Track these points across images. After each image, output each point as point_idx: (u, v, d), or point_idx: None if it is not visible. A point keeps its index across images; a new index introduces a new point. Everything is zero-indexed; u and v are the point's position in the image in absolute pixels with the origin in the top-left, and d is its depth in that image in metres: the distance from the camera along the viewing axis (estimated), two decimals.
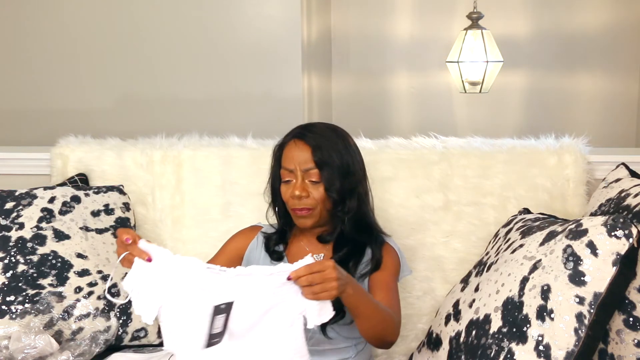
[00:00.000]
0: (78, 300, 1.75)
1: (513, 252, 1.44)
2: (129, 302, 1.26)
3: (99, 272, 1.80)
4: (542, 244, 1.36)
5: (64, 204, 1.87)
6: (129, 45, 3.17)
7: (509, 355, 1.27)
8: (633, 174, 1.70)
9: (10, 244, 1.77)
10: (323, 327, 1.47)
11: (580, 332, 1.22)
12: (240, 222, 1.85)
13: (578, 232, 1.28)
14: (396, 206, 1.90)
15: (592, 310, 1.23)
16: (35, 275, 1.74)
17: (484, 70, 2.98)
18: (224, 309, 1.22)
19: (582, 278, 1.24)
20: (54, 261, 1.77)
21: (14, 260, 1.75)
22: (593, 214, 1.65)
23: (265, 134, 2.02)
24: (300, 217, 1.54)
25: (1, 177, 2.20)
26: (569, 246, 1.28)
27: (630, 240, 1.23)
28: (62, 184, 1.99)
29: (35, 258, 1.76)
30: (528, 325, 1.27)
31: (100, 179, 2.05)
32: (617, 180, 1.68)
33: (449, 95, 3.68)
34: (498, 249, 1.55)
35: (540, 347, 1.24)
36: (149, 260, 1.26)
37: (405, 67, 3.72)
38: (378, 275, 1.53)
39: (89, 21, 3.17)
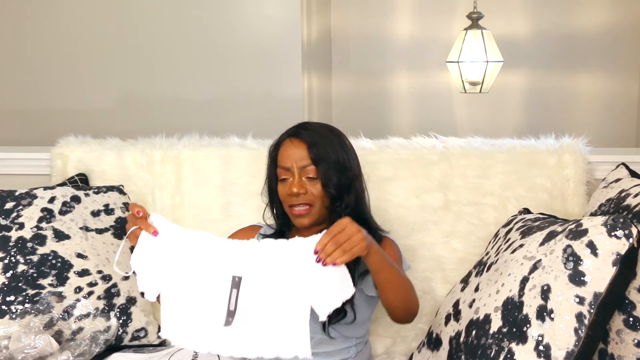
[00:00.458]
0: (78, 300, 1.75)
1: (513, 252, 1.44)
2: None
3: (99, 272, 1.80)
4: (542, 244, 1.36)
5: (64, 204, 1.87)
6: (129, 45, 3.17)
7: (509, 355, 1.27)
8: (633, 174, 1.70)
9: (10, 244, 1.77)
10: (325, 326, 1.47)
11: (580, 332, 1.22)
12: (240, 222, 1.85)
13: (578, 232, 1.28)
14: (396, 206, 1.90)
15: (592, 310, 1.23)
16: (35, 275, 1.74)
17: (484, 70, 2.98)
18: (237, 283, 1.21)
19: (582, 278, 1.24)
20: (54, 261, 1.77)
21: (14, 260, 1.75)
22: (593, 214, 1.65)
23: (265, 134, 2.02)
24: (298, 217, 1.53)
25: (1, 177, 2.20)
26: (569, 246, 1.28)
27: (631, 240, 1.22)
28: (62, 184, 1.99)
29: (35, 258, 1.76)
30: (528, 325, 1.27)
31: (100, 179, 2.05)
32: (617, 180, 1.68)
33: (449, 95, 3.68)
34: (498, 249, 1.55)
35: (540, 347, 1.24)
36: (155, 233, 1.26)
37: (405, 67, 3.73)
38: None
39: (89, 21, 3.17)
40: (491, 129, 3.22)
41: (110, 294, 1.78)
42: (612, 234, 1.23)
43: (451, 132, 2.12)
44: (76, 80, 3.23)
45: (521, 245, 1.43)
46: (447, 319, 1.54)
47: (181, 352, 1.75)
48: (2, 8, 3.22)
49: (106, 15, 3.16)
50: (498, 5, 3.47)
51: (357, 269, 1.52)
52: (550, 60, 3.59)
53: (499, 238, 1.62)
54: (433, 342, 1.58)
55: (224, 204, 2.00)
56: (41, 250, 1.78)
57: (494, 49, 3.00)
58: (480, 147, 1.91)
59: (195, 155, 2.02)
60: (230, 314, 1.21)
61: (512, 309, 1.32)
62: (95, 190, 1.95)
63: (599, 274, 1.23)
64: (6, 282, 1.73)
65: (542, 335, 1.25)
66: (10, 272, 1.74)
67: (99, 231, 1.87)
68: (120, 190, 1.99)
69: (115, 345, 1.77)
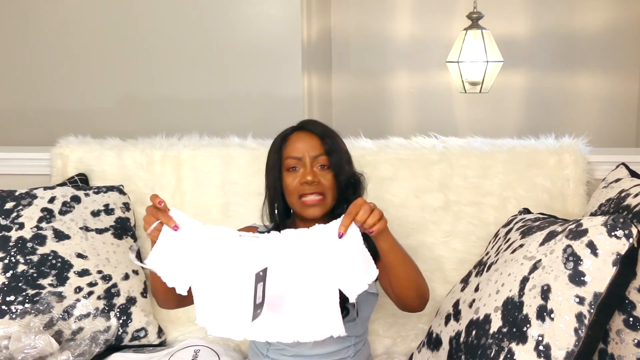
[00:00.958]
0: (78, 300, 1.75)
1: (513, 252, 1.44)
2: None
3: (99, 272, 1.80)
4: (542, 244, 1.36)
5: (64, 204, 1.87)
6: (128, 45, 3.17)
7: (509, 355, 1.27)
8: (633, 174, 1.70)
9: (10, 244, 1.77)
10: None
11: (580, 332, 1.22)
12: (240, 222, 1.84)
13: (578, 232, 1.28)
14: (396, 206, 1.90)
15: (592, 310, 1.23)
16: (35, 275, 1.74)
17: (484, 70, 2.98)
18: (262, 277, 1.21)
19: (582, 278, 1.24)
20: (54, 261, 1.77)
21: (14, 260, 1.75)
22: (593, 214, 1.65)
23: (265, 134, 2.01)
24: (310, 207, 1.50)
25: (1, 177, 2.20)
26: (569, 246, 1.28)
27: (631, 240, 1.22)
28: (62, 184, 1.99)
29: (35, 258, 1.76)
30: (528, 325, 1.27)
31: (100, 179, 2.05)
32: (617, 180, 1.68)
33: (449, 95, 3.68)
34: (498, 249, 1.55)
35: (540, 347, 1.24)
36: (176, 228, 1.25)
37: (405, 67, 3.73)
38: None
39: (89, 21, 3.17)
40: (491, 129, 3.22)
41: (110, 294, 1.78)
42: (612, 234, 1.23)
43: (451, 132, 2.12)
44: (76, 80, 3.23)
45: (521, 245, 1.43)
46: (447, 319, 1.54)
47: (181, 352, 1.76)
48: (2, 8, 3.22)
49: (106, 16, 3.16)
50: (498, 5, 3.47)
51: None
52: (550, 60, 3.59)
53: (499, 238, 1.62)
54: (433, 342, 1.58)
55: (224, 204, 2.00)
56: (41, 250, 1.78)
57: (494, 49, 3.00)
58: (480, 147, 1.91)
59: (195, 155, 2.02)
60: (258, 307, 1.22)
61: (512, 309, 1.32)
62: (95, 190, 1.95)
63: (599, 274, 1.23)
64: (6, 282, 1.73)
65: (542, 335, 1.25)
66: (10, 272, 1.74)
67: (99, 231, 1.87)
68: (120, 190, 1.99)
69: (115, 345, 1.77)
